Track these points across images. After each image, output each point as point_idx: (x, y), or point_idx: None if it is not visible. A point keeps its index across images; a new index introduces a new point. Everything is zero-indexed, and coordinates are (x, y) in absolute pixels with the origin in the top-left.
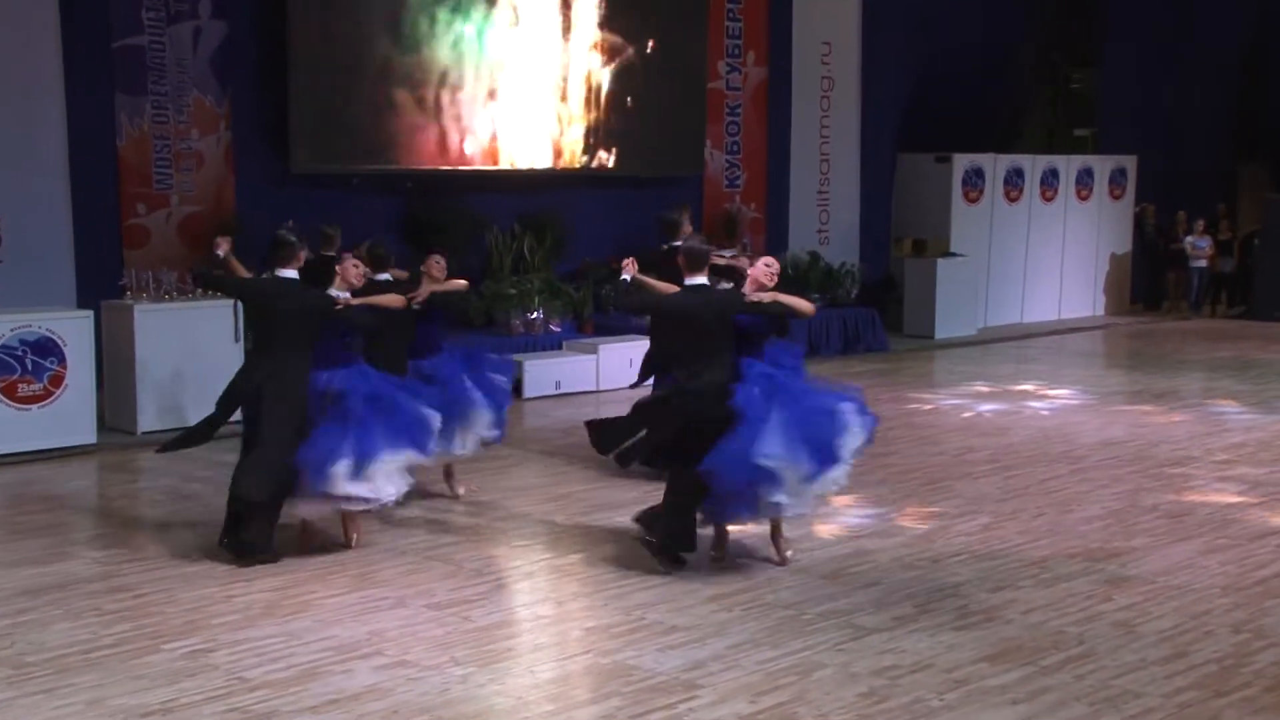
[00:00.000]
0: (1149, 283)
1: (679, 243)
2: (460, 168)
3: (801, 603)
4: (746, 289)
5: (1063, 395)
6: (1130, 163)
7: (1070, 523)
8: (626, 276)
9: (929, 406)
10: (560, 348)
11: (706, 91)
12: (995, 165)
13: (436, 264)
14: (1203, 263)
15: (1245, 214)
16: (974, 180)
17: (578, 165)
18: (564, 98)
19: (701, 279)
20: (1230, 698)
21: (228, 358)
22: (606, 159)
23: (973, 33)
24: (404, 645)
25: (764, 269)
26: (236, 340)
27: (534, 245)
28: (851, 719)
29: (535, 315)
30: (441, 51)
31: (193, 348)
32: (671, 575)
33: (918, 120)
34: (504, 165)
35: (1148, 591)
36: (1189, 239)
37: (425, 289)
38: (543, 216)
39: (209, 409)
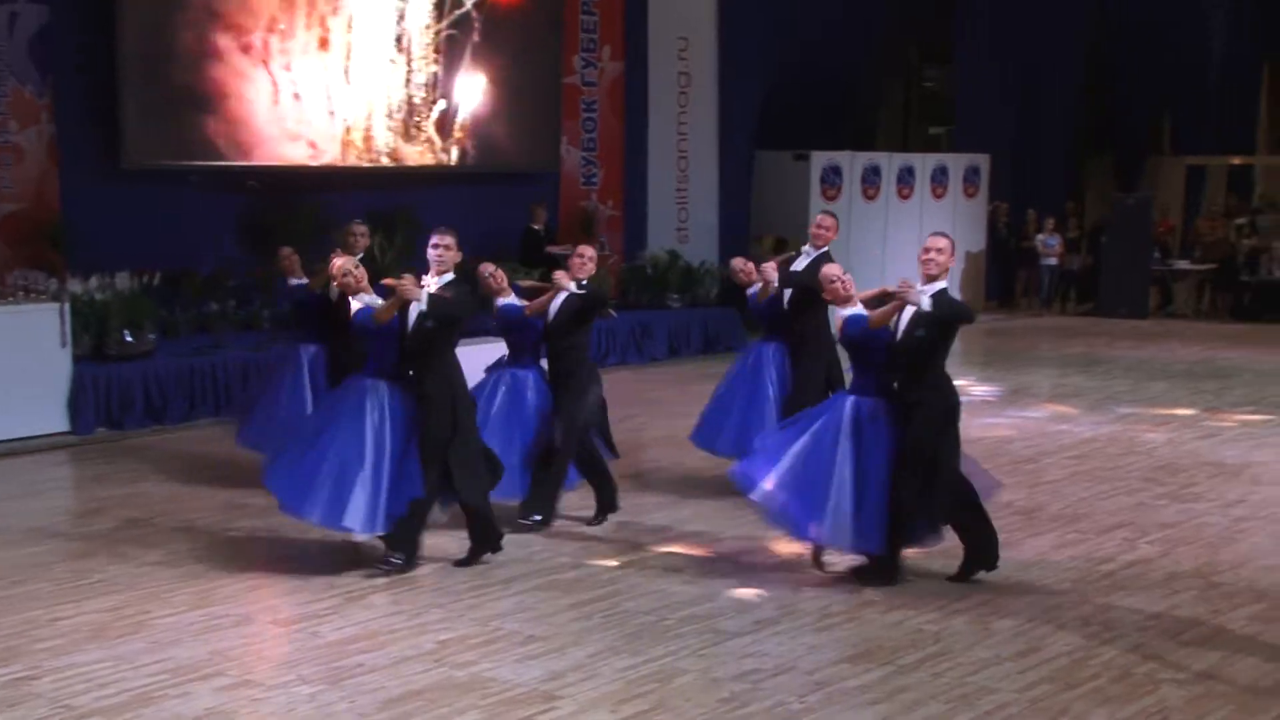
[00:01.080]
0: (1002, 280)
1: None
2: (306, 164)
3: (661, 609)
4: (902, 291)
5: None
6: (983, 161)
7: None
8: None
9: None
10: None
11: (562, 87)
12: (853, 163)
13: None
14: (1053, 260)
15: (1092, 211)
16: (832, 178)
17: (429, 162)
18: (414, 92)
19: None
20: (1080, 689)
21: (53, 363)
22: (459, 156)
23: (829, 29)
24: (247, 664)
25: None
26: (64, 345)
27: (384, 245)
28: None
29: None
30: (285, 10)
31: (15, 353)
32: (527, 587)
33: (776, 117)
34: (352, 162)
35: (1001, 588)
36: (1039, 237)
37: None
38: (393, 215)
39: (33, 417)
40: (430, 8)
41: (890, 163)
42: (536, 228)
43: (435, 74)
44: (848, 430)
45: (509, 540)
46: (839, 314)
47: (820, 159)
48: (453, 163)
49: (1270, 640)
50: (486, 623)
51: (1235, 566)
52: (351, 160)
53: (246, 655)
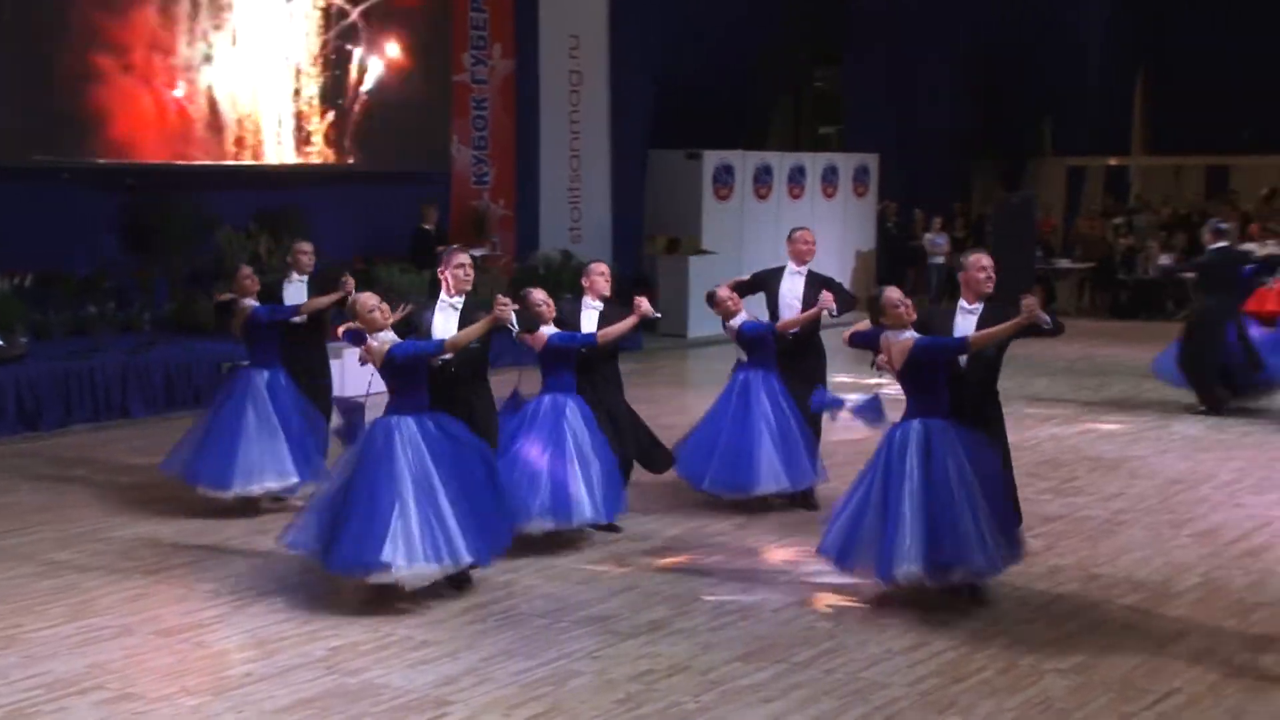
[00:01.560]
0: (892, 278)
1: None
2: (189, 162)
3: (556, 611)
4: (1030, 310)
5: None
6: (872, 161)
7: (817, 521)
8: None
9: (682, 406)
10: None
11: (452, 85)
12: (744, 162)
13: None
14: (940, 259)
15: (978, 211)
16: (724, 177)
17: (317, 161)
18: (301, 90)
19: None
20: (967, 682)
21: None
22: (348, 155)
23: (720, 29)
24: (129, 677)
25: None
26: None
27: (272, 245)
28: None
29: None
30: (166, 27)
31: None
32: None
33: (668, 116)
34: (238, 159)
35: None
36: (928, 236)
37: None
38: (281, 215)
39: None
40: (316, 17)
41: (782, 162)
42: (428, 228)
43: (324, 82)
44: (918, 457)
45: None
46: (899, 337)
47: (713, 158)
48: (347, 161)
49: (1147, 630)
50: (378, 628)
51: (1113, 558)
52: None
53: (128, 667)
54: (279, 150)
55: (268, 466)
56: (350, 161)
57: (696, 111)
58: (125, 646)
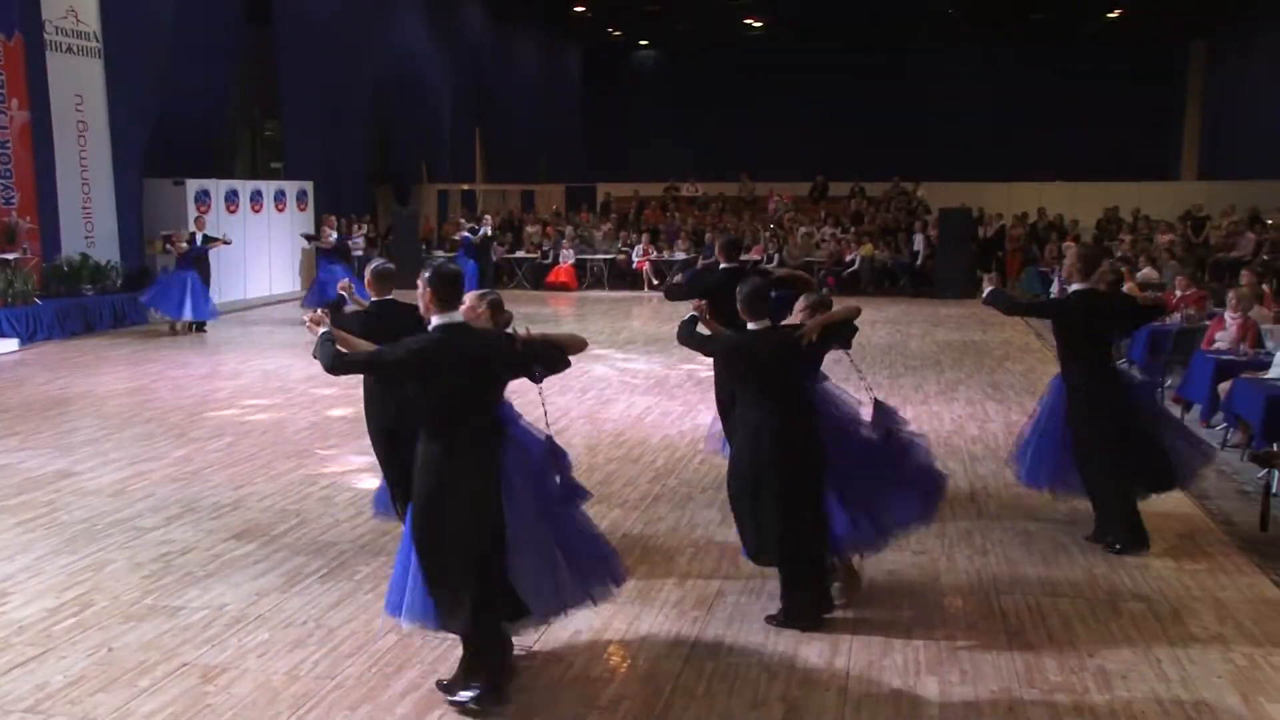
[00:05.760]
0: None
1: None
2: None
3: (93, 517)
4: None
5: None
6: (309, 186)
7: (287, 435)
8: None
9: (172, 369)
10: None
11: None
12: (218, 188)
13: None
14: (359, 253)
15: (382, 220)
16: (203, 198)
17: None
18: None
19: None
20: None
21: None
22: None
23: (198, 91)
24: None
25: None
26: None
27: None
28: (137, 595)
29: None
30: None
31: None
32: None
33: (158, 153)
34: None
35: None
36: (348, 240)
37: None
38: None
39: None
40: None
41: (245, 188)
42: None
43: None
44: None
45: None
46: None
47: (194, 184)
48: None
49: None
50: None
51: None
52: None
53: None
54: None
55: None
56: None
57: (183, 150)
58: None
